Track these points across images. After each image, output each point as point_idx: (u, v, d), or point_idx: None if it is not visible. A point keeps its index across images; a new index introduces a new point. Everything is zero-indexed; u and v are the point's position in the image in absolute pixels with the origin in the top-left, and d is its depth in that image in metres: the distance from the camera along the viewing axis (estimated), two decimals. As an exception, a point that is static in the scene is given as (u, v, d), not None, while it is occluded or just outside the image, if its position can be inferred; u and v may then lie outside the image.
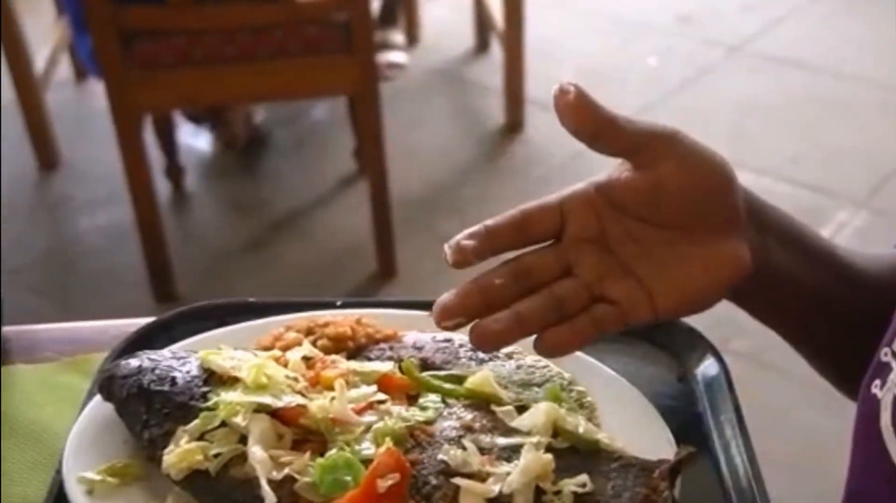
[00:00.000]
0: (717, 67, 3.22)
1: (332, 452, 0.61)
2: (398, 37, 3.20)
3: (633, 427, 0.67)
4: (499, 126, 2.93)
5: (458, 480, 0.60)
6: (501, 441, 0.63)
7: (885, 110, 2.96)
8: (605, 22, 3.40)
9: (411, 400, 0.67)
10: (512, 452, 0.62)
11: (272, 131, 2.94)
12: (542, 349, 0.63)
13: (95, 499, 0.63)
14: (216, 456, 0.62)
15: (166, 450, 0.63)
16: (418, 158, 2.68)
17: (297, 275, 2.45)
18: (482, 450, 0.62)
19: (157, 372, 0.67)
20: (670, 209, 0.64)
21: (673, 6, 3.52)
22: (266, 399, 0.63)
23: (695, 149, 0.64)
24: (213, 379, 0.66)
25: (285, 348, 0.70)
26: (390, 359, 0.70)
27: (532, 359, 0.71)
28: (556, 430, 0.64)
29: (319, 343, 0.71)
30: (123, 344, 0.76)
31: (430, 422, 0.64)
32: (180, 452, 0.62)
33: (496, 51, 3.10)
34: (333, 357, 0.69)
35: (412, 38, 3.33)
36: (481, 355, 0.71)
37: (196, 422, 0.63)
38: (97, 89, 2.55)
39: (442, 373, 0.69)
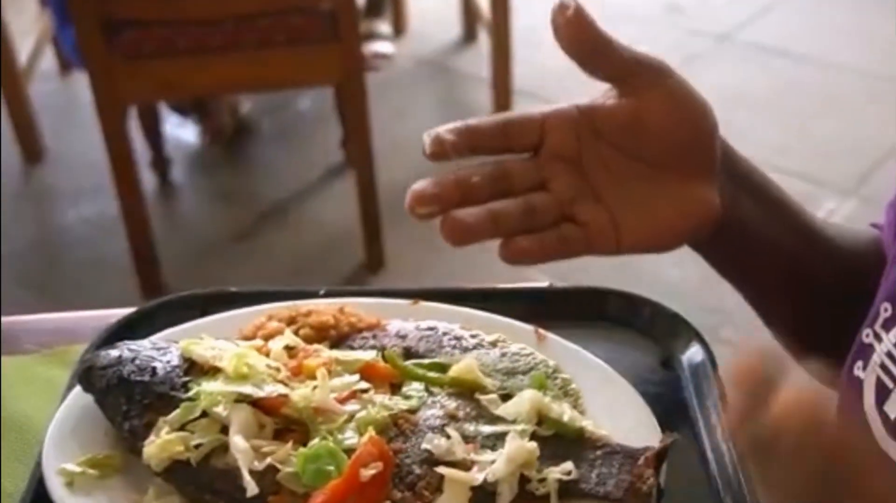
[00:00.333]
0: (705, 56, 3.22)
1: (315, 442, 0.61)
2: (384, 27, 3.19)
3: (617, 414, 0.66)
4: (486, 115, 2.92)
5: (442, 469, 0.60)
6: (486, 429, 0.63)
7: (872, 99, 2.97)
8: (593, 10, 3.37)
9: (394, 389, 0.66)
10: (496, 440, 0.62)
11: (258, 122, 2.93)
12: (507, 254, 0.62)
13: (76, 492, 0.62)
14: (197, 446, 0.61)
15: (147, 441, 0.62)
16: (405, 149, 2.67)
17: (284, 265, 2.44)
18: (466, 439, 0.62)
19: (137, 362, 0.66)
20: (648, 143, 0.64)
21: (661, -5, 3.52)
22: (247, 389, 0.63)
23: (683, 88, 0.64)
24: (194, 369, 0.66)
25: (267, 337, 0.70)
26: (373, 347, 0.70)
27: (517, 346, 0.71)
28: (541, 418, 0.63)
29: (302, 332, 0.70)
30: (104, 334, 0.75)
31: (413, 411, 0.64)
32: (161, 443, 0.61)
33: (483, 40, 3.09)
34: (316, 346, 0.68)
35: (399, 28, 3.31)
36: (465, 343, 0.71)
37: (177, 412, 0.63)
38: (82, 81, 2.53)
39: (425, 361, 0.69)
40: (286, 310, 0.73)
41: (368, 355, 0.67)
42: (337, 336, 0.71)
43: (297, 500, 0.59)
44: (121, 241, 2.34)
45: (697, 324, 0.75)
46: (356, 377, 0.65)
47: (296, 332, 0.70)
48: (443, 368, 0.67)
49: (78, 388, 0.68)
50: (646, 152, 0.64)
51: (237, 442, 0.60)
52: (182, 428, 0.62)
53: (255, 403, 0.63)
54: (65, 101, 3.07)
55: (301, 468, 0.59)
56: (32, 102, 2.79)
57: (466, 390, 0.66)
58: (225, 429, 0.62)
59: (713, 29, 3.34)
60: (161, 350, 0.68)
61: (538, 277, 0.91)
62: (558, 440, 0.62)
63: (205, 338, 0.68)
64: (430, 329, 0.72)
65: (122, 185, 2.24)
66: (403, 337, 0.71)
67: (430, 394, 0.66)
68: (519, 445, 0.60)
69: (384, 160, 2.36)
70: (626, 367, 0.72)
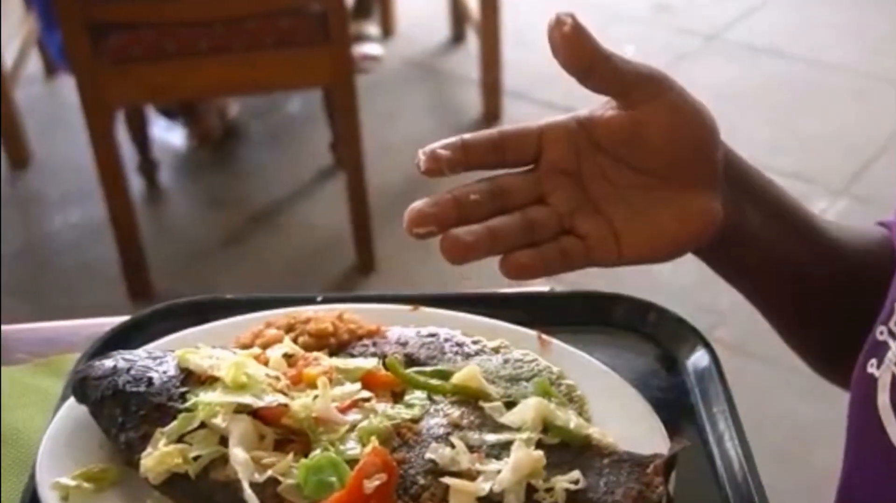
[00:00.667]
0: (694, 55, 3.21)
1: (317, 453, 0.59)
2: (373, 28, 3.18)
3: (624, 420, 0.65)
4: (476, 117, 2.91)
5: (447, 479, 0.58)
6: (490, 438, 0.61)
7: (861, 97, 2.97)
8: (582, 10, 3.35)
9: (396, 397, 0.65)
10: (501, 449, 0.61)
11: (247, 125, 2.91)
12: (508, 270, 0.61)
13: (71, 506, 0.60)
14: (196, 458, 0.60)
15: (144, 454, 0.61)
16: (395, 151, 2.66)
17: (275, 269, 2.42)
18: (471, 448, 0.61)
19: (133, 372, 0.65)
20: (649, 154, 0.63)
21: (649, -6, 3.52)
22: (247, 399, 0.61)
23: (684, 98, 0.63)
24: (191, 379, 0.64)
25: (265, 346, 0.68)
26: (374, 355, 0.68)
27: (519, 353, 0.70)
28: (546, 426, 0.62)
29: (300, 340, 0.69)
30: (97, 344, 0.74)
31: (416, 420, 0.63)
32: (158, 455, 0.60)
33: (472, 41, 3.08)
34: (315, 354, 0.67)
35: (387, 30, 3.30)
36: (467, 350, 0.70)
37: (174, 423, 0.61)
38: (68, 84, 2.51)
39: (427, 368, 0.67)
40: (284, 318, 0.71)
41: (369, 363, 0.66)
42: (336, 343, 0.70)
43: (299, 513, 0.58)
44: (108, 246, 2.32)
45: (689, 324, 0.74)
46: (357, 386, 0.64)
47: (294, 340, 0.69)
48: (445, 376, 0.66)
49: (72, 400, 0.67)
50: (646, 163, 0.63)
51: (237, 453, 0.59)
52: (180, 439, 0.61)
53: (255, 414, 0.61)
54: (50, 104, 3.04)
55: (303, 480, 0.58)
56: (18, 107, 2.76)
57: (469, 398, 0.64)
58: (224, 441, 0.60)
59: (702, 28, 3.34)
60: (157, 359, 0.66)
61: (537, 281, 0.90)
62: (564, 448, 0.61)
63: (201, 346, 0.67)
64: (432, 335, 0.70)
65: (110, 189, 2.22)
66: (404, 344, 0.70)
67: (433, 402, 0.64)
68: (525, 454, 0.59)
69: (374, 163, 2.35)
70: (630, 372, 0.71)
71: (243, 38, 2.11)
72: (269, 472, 0.59)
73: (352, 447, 0.60)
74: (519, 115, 2.87)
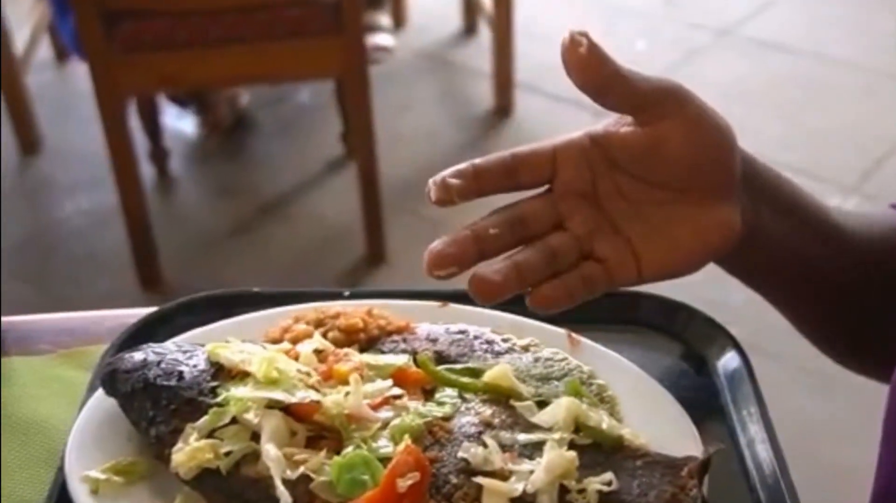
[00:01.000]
0: (705, 51, 3.20)
1: (349, 450, 0.59)
2: (385, 19, 3.16)
3: (655, 422, 0.64)
4: (488, 109, 2.90)
5: (480, 479, 0.58)
6: (522, 437, 0.61)
7: (871, 94, 2.96)
8: (594, 5, 3.37)
9: (427, 394, 0.65)
10: (533, 449, 0.60)
11: (257, 114, 2.90)
12: (536, 304, 0.61)
13: (100, 499, 0.60)
14: (227, 454, 0.59)
15: (175, 448, 0.60)
16: (406, 142, 2.65)
17: (284, 260, 2.42)
18: (503, 447, 0.60)
19: (163, 366, 0.64)
20: (667, 170, 0.62)
21: (660, -11, 3.50)
22: (278, 394, 0.61)
23: (702, 112, 0.62)
24: (222, 373, 0.64)
25: (295, 340, 0.68)
26: (404, 351, 0.68)
27: (549, 351, 0.69)
28: (578, 426, 0.62)
29: (330, 335, 0.69)
30: (124, 335, 0.73)
31: (447, 418, 0.62)
32: (189, 450, 0.60)
33: (484, 33, 3.07)
34: (346, 350, 0.66)
35: (399, 21, 3.29)
36: (497, 348, 0.69)
37: (205, 418, 0.61)
38: (79, 70, 2.51)
39: (458, 366, 0.67)
40: (313, 313, 0.71)
41: (400, 360, 0.66)
42: (366, 339, 0.69)
43: (331, 511, 0.57)
44: (118, 233, 2.32)
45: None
46: (389, 382, 0.64)
47: (324, 335, 0.68)
48: (475, 373, 0.66)
49: (99, 392, 0.66)
50: (663, 178, 0.62)
51: (269, 450, 0.59)
52: (211, 435, 0.60)
53: (287, 409, 0.61)
54: (61, 90, 3.03)
55: (335, 477, 0.58)
56: (29, 92, 2.75)
57: (501, 396, 0.64)
58: (256, 437, 0.60)
59: (713, 24, 3.33)
60: (187, 353, 0.66)
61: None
62: (597, 449, 0.61)
63: (231, 340, 0.66)
64: (461, 332, 0.70)
65: (122, 177, 2.21)
66: (434, 340, 0.69)
67: (464, 400, 0.64)
68: (558, 454, 0.59)
69: (384, 154, 2.34)
70: (658, 372, 0.70)
71: (255, 27, 2.10)
72: (302, 469, 0.58)
73: (384, 445, 0.59)
74: (530, 108, 2.86)
